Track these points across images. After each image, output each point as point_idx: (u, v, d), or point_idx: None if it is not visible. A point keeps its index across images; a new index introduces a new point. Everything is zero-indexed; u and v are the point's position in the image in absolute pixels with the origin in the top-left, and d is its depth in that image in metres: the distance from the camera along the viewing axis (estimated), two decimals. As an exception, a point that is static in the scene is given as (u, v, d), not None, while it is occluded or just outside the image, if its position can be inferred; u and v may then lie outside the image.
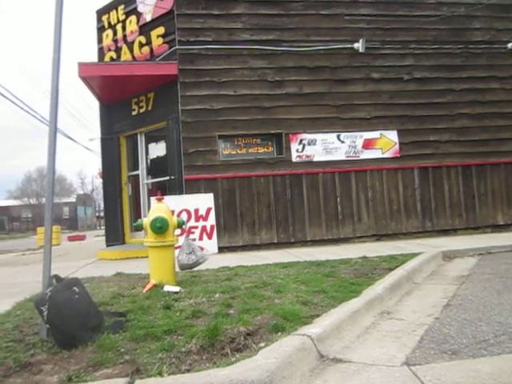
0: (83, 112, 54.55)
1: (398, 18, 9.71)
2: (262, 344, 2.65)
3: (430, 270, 5.66)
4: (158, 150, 10.50)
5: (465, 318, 3.38)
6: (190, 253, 4.80)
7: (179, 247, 4.84)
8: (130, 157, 10.90)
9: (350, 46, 9.38)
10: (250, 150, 9.16)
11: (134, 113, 10.18)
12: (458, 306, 3.75)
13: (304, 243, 8.92)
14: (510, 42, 10.07)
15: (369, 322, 3.42)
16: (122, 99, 10.16)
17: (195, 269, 5.05)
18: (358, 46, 9.28)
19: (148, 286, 4.30)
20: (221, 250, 8.45)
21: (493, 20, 10.24)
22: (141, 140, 10.48)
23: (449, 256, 6.64)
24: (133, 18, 9.86)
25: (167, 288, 4.16)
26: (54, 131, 2.93)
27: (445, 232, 9.46)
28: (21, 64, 78.53)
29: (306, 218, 9.00)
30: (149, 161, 10.78)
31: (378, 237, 9.23)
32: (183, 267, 4.84)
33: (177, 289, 4.16)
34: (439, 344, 2.82)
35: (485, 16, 10.15)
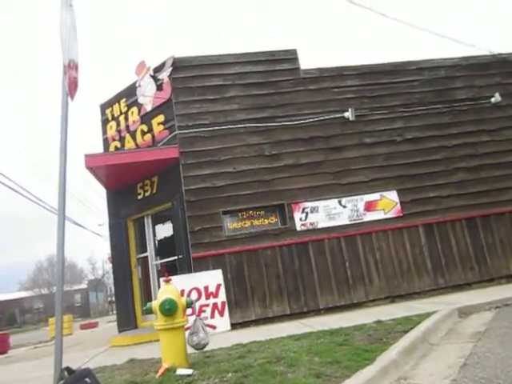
0: (91, 197, 55.77)
1: (382, 86, 10.28)
2: (276, 422, 2.62)
3: (446, 328, 5.56)
4: (165, 230, 10.71)
5: (482, 376, 3.32)
6: (207, 333, 4.82)
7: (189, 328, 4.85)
8: (138, 239, 11.06)
9: (340, 115, 9.86)
10: (255, 223, 9.31)
11: (139, 197, 10.50)
12: (475, 365, 3.68)
13: (317, 312, 8.78)
14: (492, 96, 10.54)
15: (385, 389, 3.35)
16: (128, 184, 10.53)
17: (207, 348, 5.01)
18: (348, 114, 9.75)
19: (160, 371, 4.27)
20: (234, 326, 8.31)
21: (473, 78, 10.80)
22: (147, 222, 10.71)
23: (465, 312, 6.53)
24: (134, 109, 10.51)
25: (180, 371, 4.14)
26: (62, 227, 3.11)
27: (459, 287, 9.30)
28: (26, 154, 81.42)
29: (316, 285, 8.93)
30: (156, 242, 10.93)
31: (392, 298, 9.07)
32: (198, 347, 4.81)
33: (189, 371, 4.13)
34: (456, 407, 2.77)
35: (465, 75, 10.73)
